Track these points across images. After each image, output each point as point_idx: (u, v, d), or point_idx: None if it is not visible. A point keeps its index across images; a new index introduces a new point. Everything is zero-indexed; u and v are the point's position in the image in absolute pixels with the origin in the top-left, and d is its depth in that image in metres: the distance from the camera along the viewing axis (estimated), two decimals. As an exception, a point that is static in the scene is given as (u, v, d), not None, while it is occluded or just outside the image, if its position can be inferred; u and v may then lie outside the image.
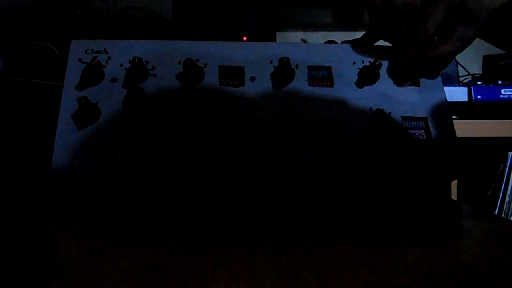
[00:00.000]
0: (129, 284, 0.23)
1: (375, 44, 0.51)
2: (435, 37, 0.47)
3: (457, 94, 1.01)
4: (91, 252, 0.29)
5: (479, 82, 1.13)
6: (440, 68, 0.48)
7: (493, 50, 1.27)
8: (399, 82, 0.47)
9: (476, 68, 1.37)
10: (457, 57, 1.16)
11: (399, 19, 0.47)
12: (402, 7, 0.46)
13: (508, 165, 1.08)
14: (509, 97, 1.01)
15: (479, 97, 1.01)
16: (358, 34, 0.53)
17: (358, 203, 0.44)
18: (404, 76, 0.47)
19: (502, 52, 1.26)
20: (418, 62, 0.46)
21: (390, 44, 0.50)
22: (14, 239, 0.32)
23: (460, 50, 0.46)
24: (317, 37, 1.38)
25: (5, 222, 0.37)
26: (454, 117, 0.99)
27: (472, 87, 1.02)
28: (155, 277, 0.24)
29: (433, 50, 0.46)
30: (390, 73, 0.47)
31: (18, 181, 0.50)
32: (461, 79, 1.23)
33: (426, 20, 0.44)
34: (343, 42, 0.51)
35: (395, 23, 0.47)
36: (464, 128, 0.97)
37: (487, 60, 1.35)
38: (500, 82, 1.10)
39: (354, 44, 0.49)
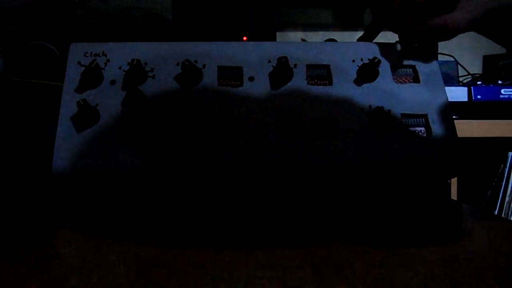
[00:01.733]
0: (129, 284, 0.23)
1: (378, 34, 0.51)
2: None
3: (457, 94, 1.01)
4: (91, 252, 0.29)
5: (479, 82, 1.13)
6: (445, 38, 0.46)
7: (493, 50, 1.27)
8: (406, 55, 0.47)
9: (476, 68, 1.37)
10: (457, 57, 1.16)
11: None
12: None
13: (508, 165, 1.08)
14: (509, 97, 1.01)
15: (479, 97, 1.01)
16: (358, 34, 0.53)
17: (358, 202, 0.44)
18: (408, 51, 0.47)
19: (502, 52, 1.25)
20: (418, 31, 0.46)
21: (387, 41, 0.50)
22: (15, 240, 0.32)
23: (466, 23, 0.45)
24: (317, 37, 1.38)
25: (6, 223, 0.37)
26: (454, 117, 0.99)
27: (472, 87, 1.02)
28: (155, 277, 0.24)
29: (437, 18, 0.45)
30: (392, 69, 0.47)
31: (18, 182, 0.50)
32: (461, 79, 1.23)
33: None
34: (359, 39, 0.51)
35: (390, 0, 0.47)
36: (464, 128, 0.96)
37: (487, 60, 1.34)
38: (500, 82, 1.09)
39: (363, 39, 0.49)
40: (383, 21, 0.50)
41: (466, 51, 1.22)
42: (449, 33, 0.45)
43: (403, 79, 0.47)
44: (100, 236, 0.33)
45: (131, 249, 0.29)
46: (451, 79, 1.13)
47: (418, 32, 0.46)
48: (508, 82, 1.07)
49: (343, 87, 0.46)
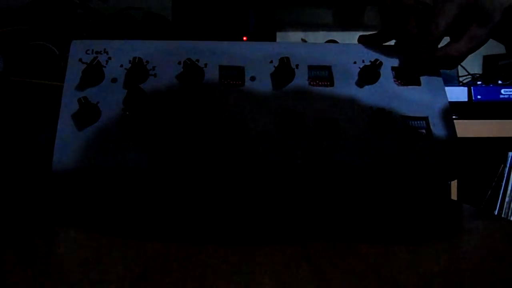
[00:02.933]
0: (129, 284, 0.23)
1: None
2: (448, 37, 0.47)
3: (457, 94, 1.01)
4: (91, 252, 0.29)
5: (479, 82, 1.13)
6: (450, 67, 0.47)
7: (493, 50, 1.27)
8: (404, 81, 0.47)
9: (476, 68, 1.37)
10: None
11: (409, 17, 0.47)
12: (412, 5, 0.46)
13: (508, 165, 1.08)
14: (509, 97, 1.01)
15: (479, 97, 1.01)
16: (358, 34, 0.53)
17: (358, 203, 0.44)
18: (412, 74, 0.47)
19: (502, 52, 1.26)
20: (428, 61, 0.46)
21: (389, 44, 0.50)
22: (14, 240, 0.32)
23: (472, 50, 0.46)
24: (317, 37, 1.38)
25: (5, 223, 0.37)
26: (454, 117, 0.99)
27: (472, 87, 1.02)
28: (155, 277, 0.24)
29: (444, 49, 0.46)
30: (393, 71, 0.47)
31: (18, 181, 0.50)
32: (461, 79, 1.23)
33: (436, 18, 0.44)
34: (360, 36, 0.51)
35: (405, 22, 0.47)
36: (464, 128, 0.96)
37: (487, 60, 1.35)
38: (500, 82, 1.10)
39: (364, 40, 0.49)
40: (394, 35, 0.50)
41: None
42: (453, 63, 0.47)
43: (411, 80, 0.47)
44: (100, 236, 0.33)
45: (132, 249, 0.29)
46: (451, 79, 1.13)
47: (427, 61, 0.46)
48: (508, 82, 1.08)
49: (345, 88, 0.46)
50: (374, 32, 0.51)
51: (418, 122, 0.45)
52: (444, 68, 0.47)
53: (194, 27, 1.03)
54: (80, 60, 0.45)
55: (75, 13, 0.99)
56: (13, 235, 0.33)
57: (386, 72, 0.47)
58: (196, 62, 0.45)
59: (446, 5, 0.44)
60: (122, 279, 0.24)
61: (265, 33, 1.07)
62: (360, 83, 0.46)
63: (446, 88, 0.47)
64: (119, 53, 0.46)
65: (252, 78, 0.45)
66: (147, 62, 0.45)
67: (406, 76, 0.47)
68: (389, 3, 0.48)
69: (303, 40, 1.35)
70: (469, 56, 0.47)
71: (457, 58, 0.46)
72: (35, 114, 0.56)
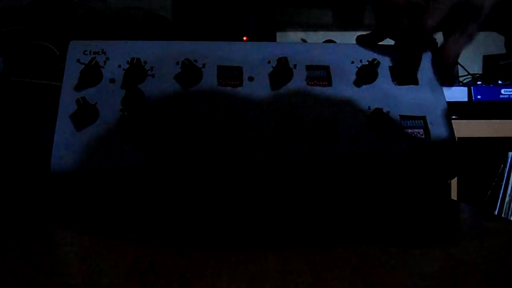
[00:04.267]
0: (129, 284, 0.23)
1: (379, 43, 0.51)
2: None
3: (457, 94, 1.01)
4: (90, 252, 0.29)
5: (479, 82, 1.13)
6: (444, 66, 0.47)
7: (493, 50, 1.27)
8: (400, 80, 0.47)
9: (476, 68, 1.37)
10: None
11: (402, 16, 0.47)
12: (405, 4, 0.46)
13: (508, 165, 1.08)
14: (509, 97, 1.01)
15: (479, 97, 1.01)
16: (358, 34, 0.53)
17: (357, 203, 0.44)
18: (407, 73, 0.47)
19: (502, 52, 1.25)
20: (420, 58, 0.46)
21: (388, 43, 0.50)
22: (13, 239, 0.32)
23: (463, 47, 0.46)
24: (317, 37, 1.38)
25: (4, 223, 0.37)
26: (454, 117, 0.99)
27: (472, 87, 1.02)
28: (155, 277, 0.24)
29: (439, 48, 0.46)
30: (391, 71, 0.47)
31: (17, 181, 0.50)
32: (461, 79, 1.23)
33: (428, 15, 0.44)
34: (358, 36, 0.51)
35: (397, 21, 0.47)
36: (464, 128, 0.96)
37: (487, 60, 1.34)
38: (500, 82, 1.09)
39: (361, 40, 0.49)
40: (388, 33, 0.51)
41: (466, 51, 1.22)
42: (450, 61, 0.47)
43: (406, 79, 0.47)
44: (99, 236, 0.33)
45: (131, 249, 0.29)
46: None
47: (420, 58, 0.47)
48: (508, 82, 1.07)
49: (343, 88, 0.46)
50: (370, 32, 0.51)
51: (416, 121, 0.45)
52: (439, 68, 0.47)
53: (194, 27, 1.04)
54: (78, 60, 0.45)
55: (75, 13, 0.99)
56: (12, 235, 0.33)
57: (383, 72, 0.47)
58: (194, 63, 0.45)
59: (437, 4, 0.44)
60: (122, 280, 0.24)
61: (265, 33, 1.07)
62: (358, 82, 0.46)
63: (446, 88, 0.47)
64: (117, 54, 0.46)
65: (250, 79, 0.45)
66: (145, 62, 0.45)
67: (403, 75, 0.47)
68: (382, 2, 0.48)
69: (303, 40, 1.36)
70: (469, 56, 0.47)
71: (450, 56, 0.46)
72: (35, 114, 0.56)
